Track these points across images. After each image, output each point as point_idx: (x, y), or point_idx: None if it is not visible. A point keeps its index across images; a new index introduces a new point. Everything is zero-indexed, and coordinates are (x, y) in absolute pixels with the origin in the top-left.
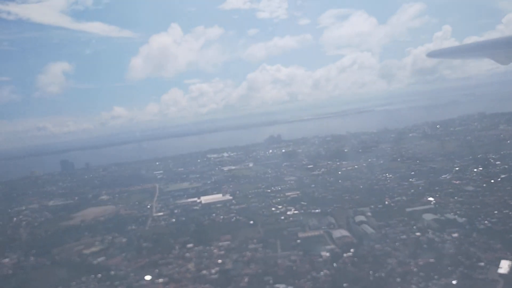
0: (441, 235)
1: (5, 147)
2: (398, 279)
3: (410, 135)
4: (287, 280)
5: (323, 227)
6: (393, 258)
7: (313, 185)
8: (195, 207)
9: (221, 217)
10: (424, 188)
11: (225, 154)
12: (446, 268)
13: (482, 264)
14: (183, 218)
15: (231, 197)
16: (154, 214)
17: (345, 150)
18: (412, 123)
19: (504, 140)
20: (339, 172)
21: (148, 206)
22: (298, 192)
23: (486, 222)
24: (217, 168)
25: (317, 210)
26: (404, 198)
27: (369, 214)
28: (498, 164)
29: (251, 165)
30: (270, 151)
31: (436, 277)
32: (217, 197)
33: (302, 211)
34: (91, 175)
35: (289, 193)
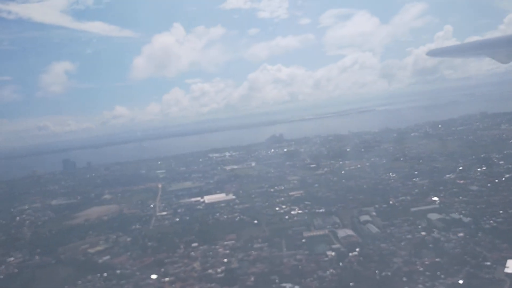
0: (446, 235)
1: (6, 146)
2: (405, 279)
3: (412, 134)
4: (293, 279)
5: (327, 227)
6: (399, 258)
7: (316, 185)
8: (199, 207)
9: (225, 216)
10: (428, 187)
11: (227, 154)
12: (453, 268)
13: (488, 263)
14: (187, 218)
15: (234, 197)
16: (158, 214)
17: (348, 150)
18: (414, 122)
19: (506, 139)
20: (342, 172)
21: (151, 206)
22: (301, 191)
23: (491, 221)
24: (219, 168)
25: (321, 210)
26: (408, 197)
27: (374, 213)
28: (502, 163)
29: (253, 164)
30: (272, 150)
31: (442, 276)
32: (221, 196)
33: (306, 210)
34: (93, 174)
35: (292, 193)
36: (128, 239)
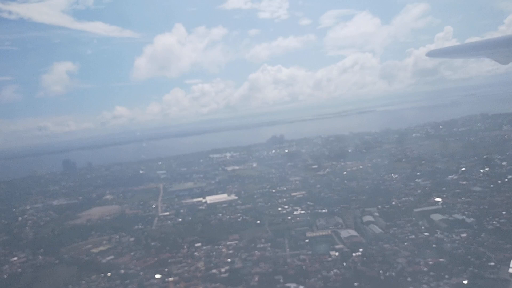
0: (449, 235)
1: (6, 146)
2: (409, 279)
3: (413, 135)
4: (298, 279)
5: (330, 227)
6: (403, 258)
7: (318, 185)
8: (201, 207)
9: (228, 216)
10: (431, 188)
11: (228, 154)
12: (457, 268)
13: (492, 264)
14: (190, 218)
15: (236, 197)
16: (160, 214)
17: (349, 150)
18: (415, 123)
19: (508, 140)
20: (344, 173)
21: (153, 206)
22: (303, 192)
23: (494, 222)
24: (220, 168)
25: (324, 210)
26: (411, 198)
27: (377, 214)
28: (504, 164)
29: (254, 165)
30: (273, 151)
31: (446, 276)
32: (222, 197)
33: (309, 211)
34: (94, 175)
35: (294, 193)
36: (131, 239)
